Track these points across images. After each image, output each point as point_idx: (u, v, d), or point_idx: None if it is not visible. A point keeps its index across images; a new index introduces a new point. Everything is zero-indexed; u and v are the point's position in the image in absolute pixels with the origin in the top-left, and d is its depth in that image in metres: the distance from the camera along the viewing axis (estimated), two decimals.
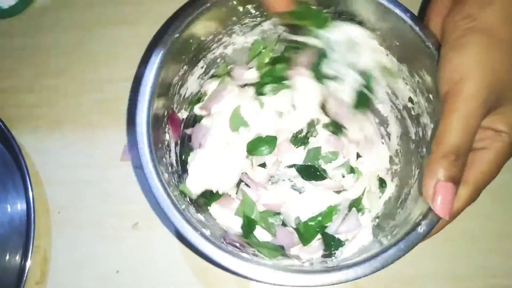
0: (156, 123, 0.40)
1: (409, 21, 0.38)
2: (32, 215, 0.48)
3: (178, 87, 0.43)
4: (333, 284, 0.35)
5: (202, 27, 0.41)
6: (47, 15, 0.57)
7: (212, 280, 0.49)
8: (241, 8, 0.42)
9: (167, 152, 0.43)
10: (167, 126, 0.43)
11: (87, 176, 0.52)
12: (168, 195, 0.36)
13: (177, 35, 0.39)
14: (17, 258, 0.48)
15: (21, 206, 0.50)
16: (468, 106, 0.32)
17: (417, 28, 0.38)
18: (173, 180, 0.41)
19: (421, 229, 0.35)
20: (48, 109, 0.54)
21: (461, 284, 0.48)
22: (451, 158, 0.32)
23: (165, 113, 0.42)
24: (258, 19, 0.44)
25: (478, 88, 0.32)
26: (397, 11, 0.39)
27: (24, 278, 0.47)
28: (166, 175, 0.39)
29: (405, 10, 0.39)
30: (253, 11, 0.42)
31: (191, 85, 0.46)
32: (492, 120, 0.34)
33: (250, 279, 0.35)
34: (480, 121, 0.33)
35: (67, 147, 0.53)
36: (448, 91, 0.34)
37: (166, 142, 0.43)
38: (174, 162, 0.44)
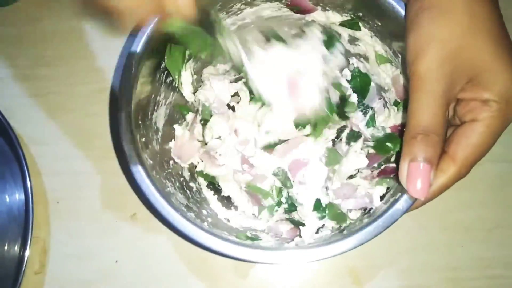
0: (142, 107, 0.40)
1: None
2: (31, 205, 0.48)
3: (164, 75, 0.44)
4: (317, 260, 0.36)
5: None
6: (43, 4, 0.57)
7: (211, 269, 0.49)
8: None
9: (155, 134, 0.43)
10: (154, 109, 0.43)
11: (85, 167, 0.52)
12: (151, 180, 0.37)
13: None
14: (16, 248, 0.49)
15: (19, 196, 0.50)
16: (424, 83, 0.32)
17: (397, 6, 0.38)
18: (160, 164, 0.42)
19: (400, 205, 0.35)
20: (45, 99, 0.54)
21: (457, 275, 0.49)
22: (419, 138, 0.31)
23: (152, 96, 0.43)
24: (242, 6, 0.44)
25: (432, 62, 0.32)
26: None
27: (23, 268, 0.47)
28: (151, 161, 0.40)
29: None
30: None
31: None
32: (476, 91, 0.33)
33: (233, 258, 0.36)
34: (442, 94, 0.32)
35: (65, 138, 0.53)
36: (408, 72, 0.33)
37: (154, 127, 0.43)
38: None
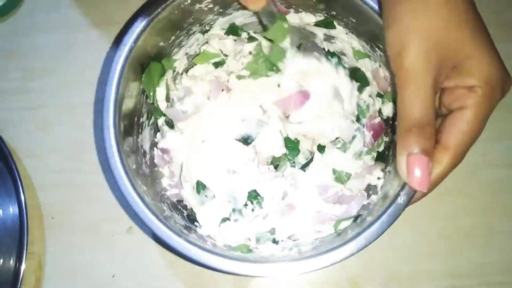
0: (127, 121, 0.41)
1: None
2: (25, 219, 0.48)
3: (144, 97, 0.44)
4: (324, 267, 0.35)
5: (157, 34, 0.41)
6: (34, 17, 0.56)
7: (209, 284, 0.49)
8: (196, 7, 0.41)
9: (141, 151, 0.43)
10: (142, 116, 0.44)
11: (80, 180, 0.51)
12: (137, 193, 0.37)
13: (133, 44, 0.39)
14: (11, 263, 0.48)
15: (13, 210, 0.49)
16: (412, 75, 0.32)
17: (369, 1, 0.38)
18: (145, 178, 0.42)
19: (400, 199, 0.35)
20: (38, 112, 0.53)
21: (458, 282, 0.48)
22: (414, 131, 0.31)
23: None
24: (215, 16, 0.44)
25: (417, 54, 0.32)
26: None
27: (19, 285, 0.47)
28: (139, 170, 0.40)
29: None
30: (207, 7, 0.42)
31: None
32: (460, 78, 0.33)
33: (232, 273, 0.36)
34: (432, 85, 0.32)
35: (58, 151, 0.52)
36: (393, 66, 0.34)
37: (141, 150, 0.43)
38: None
